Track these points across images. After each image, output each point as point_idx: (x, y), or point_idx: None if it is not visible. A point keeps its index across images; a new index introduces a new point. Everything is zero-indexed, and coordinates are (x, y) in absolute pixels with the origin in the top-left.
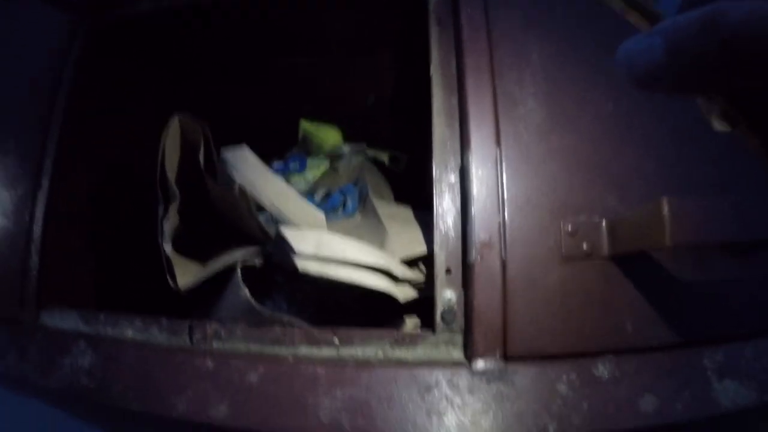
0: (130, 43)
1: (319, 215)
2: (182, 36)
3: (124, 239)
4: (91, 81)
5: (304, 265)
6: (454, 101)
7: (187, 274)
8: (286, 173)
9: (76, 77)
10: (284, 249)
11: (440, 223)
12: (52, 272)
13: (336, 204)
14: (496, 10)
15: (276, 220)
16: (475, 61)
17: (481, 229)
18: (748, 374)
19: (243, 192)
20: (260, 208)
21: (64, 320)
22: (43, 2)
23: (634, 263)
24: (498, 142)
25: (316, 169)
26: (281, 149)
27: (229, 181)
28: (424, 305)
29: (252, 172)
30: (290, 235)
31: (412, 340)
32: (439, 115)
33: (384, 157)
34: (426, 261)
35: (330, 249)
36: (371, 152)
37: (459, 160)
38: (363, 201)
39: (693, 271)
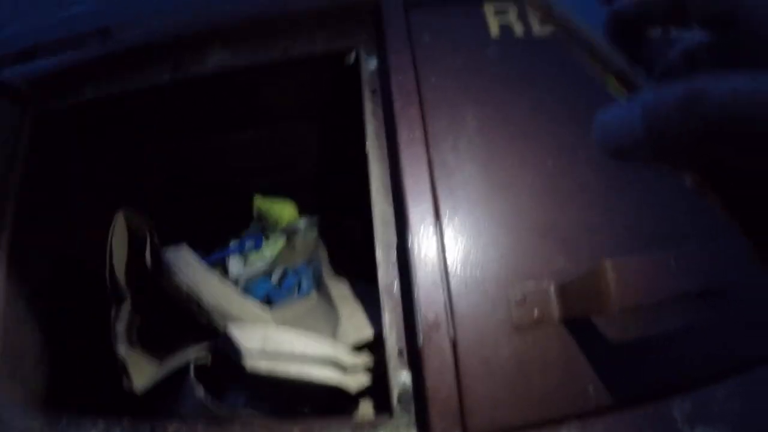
0: (76, 128)
1: (264, 314)
2: (127, 119)
3: (80, 335)
4: (41, 168)
5: (253, 365)
6: (390, 176)
7: (143, 375)
8: (243, 252)
9: (27, 165)
10: (232, 347)
11: (387, 304)
12: (12, 373)
13: (291, 285)
14: (428, 75)
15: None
16: (408, 131)
17: (426, 310)
18: (721, 417)
19: (190, 293)
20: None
21: (26, 420)
22: None
23: (587, 324)
24: (437, 216)
25: (273, 246)
26: (239, 227)
27: (176, 283)
28: (379, 384)
29: (194, 274)
30: (236, 333)
31: (371, 427)
32: (378, 192)
33: (339, 226)
34: (379, 342)
35: (276, 343)
36: (325, 222)
37: (398, 239)
38: (317, 280)
39: (650, 324)
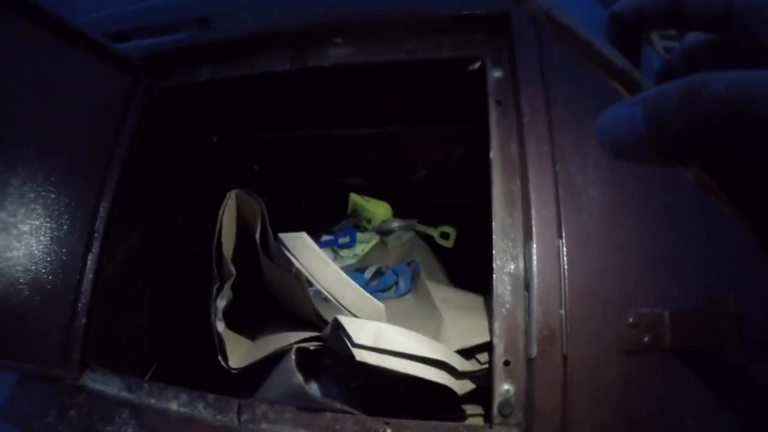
0: (186, 109)
1: (379, 306)
2: (238, 106)
3: (171, 306)
4: (146, 143)
5: (363, 356)
6: (515, 187)
7: (238, 353)
8: (335, 247)
9: (133, 138)
10: (341, 338)
11: (499, 313)
12: (97, 333)
13: (388, 284)
14: (557, 91)
15: (332, 305)
16: (536, 146)
17: (542, 323)
18: None
19: (299, 277)
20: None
21: (107, 384)
22: (101, 59)
23: (697, 355)
24: (560, 233)
25: (365, 244)
26: (330, 221)
27: (287, 265)
28: (480, 394)
29: (310, 259)
30: (349, 324)
31: None
32: (500, 201)
33: (434, 233)
34: (484, 350)
35: (390, 341)
36: (421, 228)
37: (520, 249)
38: (415, 282)
39: (758, 363)
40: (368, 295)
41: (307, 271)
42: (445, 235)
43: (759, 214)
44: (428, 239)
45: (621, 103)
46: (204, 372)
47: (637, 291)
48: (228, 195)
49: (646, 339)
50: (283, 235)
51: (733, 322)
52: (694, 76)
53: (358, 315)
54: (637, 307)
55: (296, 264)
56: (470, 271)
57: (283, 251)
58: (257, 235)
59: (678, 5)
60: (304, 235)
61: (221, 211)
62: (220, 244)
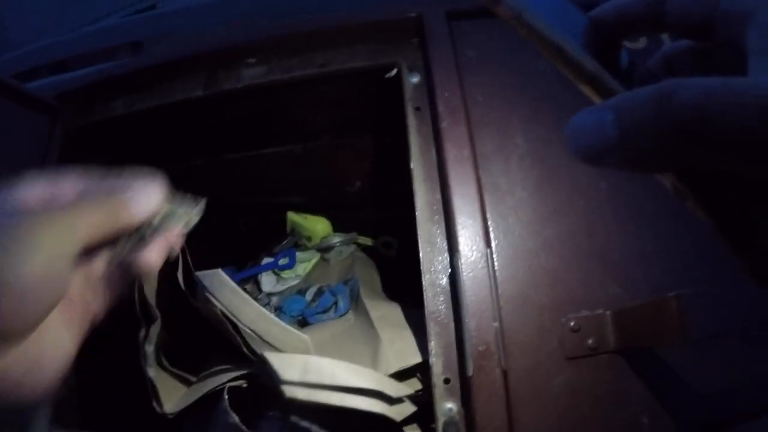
0: (108, 143)
1: (303, 338)
2: (161, 135)
3: (109, 356)
4: None
5: (292, 392)
6: (437, 196)
7: (173, 397)
8: (276, 269)
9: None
10: (269, 374)
11: (433, 330)
12: None
13: (327, 305)
14: (475, 92)
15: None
16: (456, 150)
17: (476, 338)
18: None
19: (225, 315)
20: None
21: None
22: (16, 102)
23: (643, 355)
24: (487, 241)
25: (306, 263)
26: (271, 243)
27: (210, 305)
28: (424, 411)
29: (229, 297)
30: (274, 360)
31: None
32: (423, 213)
33: (376, 244)
34: (423, 367)
35: (317, 374)
36: (362, 240)
37: (447, 264)
38: (355, 300)
39: (709, 355)
40: (290, 328)
41: (227, 309)
42: (387, 245)
43: (731, 219)
44: (373, 252)
45: (591, 107)
46: (155, 418)
47: (575, 292)
48: None
49: (589, 343)
50: (200, 274)
51: (675, 320)
52: (666, 81)
53: (284, 349)
54: (576, 310)
55: (216, 303)
56: (416, 279)
57: (204, 292)
58: (179, 276)
59: (659, 11)
60: (219, 272)
61: None
62: (141, 286)
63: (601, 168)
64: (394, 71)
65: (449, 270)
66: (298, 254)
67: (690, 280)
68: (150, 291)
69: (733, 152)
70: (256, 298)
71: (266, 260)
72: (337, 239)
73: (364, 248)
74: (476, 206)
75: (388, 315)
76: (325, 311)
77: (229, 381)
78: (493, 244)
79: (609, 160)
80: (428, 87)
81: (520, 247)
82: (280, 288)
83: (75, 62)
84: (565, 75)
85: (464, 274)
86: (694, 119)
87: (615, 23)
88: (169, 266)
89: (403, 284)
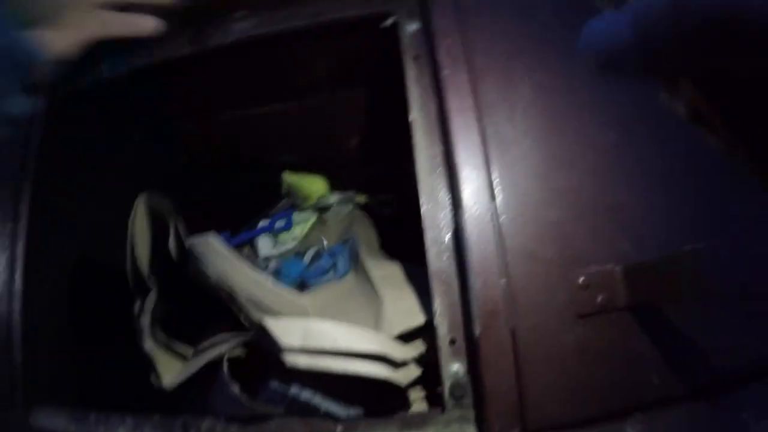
0: (94, 109)
1: (301, 302)
2: (149, 97)
3: (106, 329)
4: (60, 151)
5: (293, 360)
6: (438, 149)
7: (171, 370)
8: (273, 232)
9: (42, 148)
10: (270, 342)
11: (438, 290)
12: (37, 369)
13: (326, 267)
14: (477, 38)
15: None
16: (458, 100)
17: (483, 297)
18: None
19: (220, 283)
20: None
21: (53, 421)
22: None
23: (654, 311)
24: (492, 195)
25: (303, 224)
26: (266, 204)
27: (204, 273)
28: (430, 373)
29: (223, 263)
30: (274, 327)
31: (421, 421)
32: (425, 166)
33: (373, 202)
34: (428, 328)
35: (319, 339)
36: (360, 198)
37: (450, 220)
38: (355, 260)
39: (722, 312)
40: (288, 293)
41: (222, 275)
42: (385, 204)
43: (755, 131)
44: (371, 210)
45: (608, 12)
46: (155, 392)
47: (584, 248)
48: (135, 202)
49: (599, 299)
50: (191, 241)
51: (689, 276)
52: None
53: (283, 315)
54: (585, 265)
55: (209, 272)
56: (416, 238)
57: (196, 261)
58: (171, 243)
59: None
60: (211, 238)
61: (130, 222)
62: (134, 257)
63: (611, 74)
64: (391, 20)
65: (453, 226)
66: (295, 215)
67: (701, 237)
68: (143, 262)
69: (754, 49)
70: (253, 263)
71: (263, 223)
72: (334, 198)
73: (362, 207)
74: (480, 158)
75: (389, 275)
76: (324, 273)
77: (229, 350)
78: (498, 198)
79: (625, 63)
80: (427, 34)
81: (527, 201)
82: (277, 251)
83: None
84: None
85: (469, 229)
86: (714, 18)
87: None
88: (161, 235)
89: (402, 243)
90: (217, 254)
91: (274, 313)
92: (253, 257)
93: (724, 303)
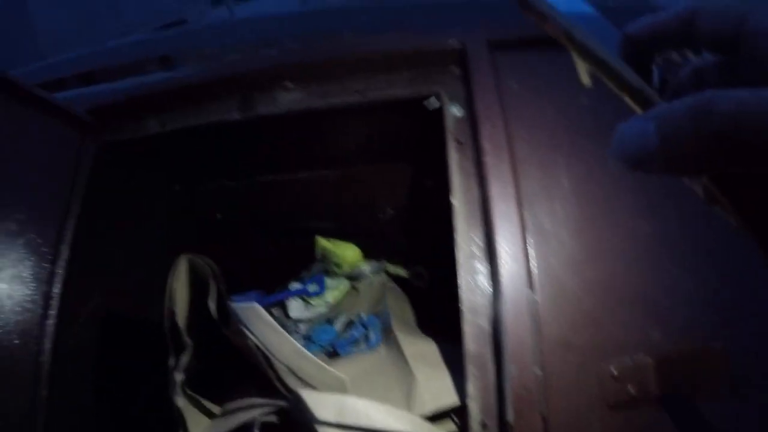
0: (141, 160)
1: (340, 377)
2: (193, 155)
3: (136, 373)
4: (102, 198)
5: None
6: (479, 235)
7: (199, 427)
8: (305, 295)
9: (86, 194)
10: (304, 413)
11: (472, 373)
12: (61, 405)
13: (357, 337)
14: (519, 128)
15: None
16: (500, 188)
17: (517, 383)
18: None
19: (258, 348)
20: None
21: None
22: (47, 115)
23: (686, 403)
24: (530, 283)
25: (335, 290)
26: (297, 269)
27: (243, 336)
28: None
29: (265, 331)
30: (310, 399)
31: None
32: (464, 251)
33: (406, 274)
34: (459, 409)
35: (353, 415)
36: (392, 269)
37: (489, 306)
38: (386, 333)
39: (750, 408)
40: (327, 367)
41: (263, 344)
42: (417, 276)
43: (761, 222)
44: (402, 280)
45: (634, 118)
46: None
47: (617, 337)
48: (177, 261)
49: (630, 390)
50: (236, 306)
51: (720, 371)
52: (702, 93)
53: (319, 387)
54: (618, 355)
55: (251, 337)
56: (447, 312)
57: (238, 324)
58: (211, 305)
59: (690, 28)
60: (256, 305)
61: (171, 279)
62: (172, 313)
63: (643, 173)
64: (437, 103)
65: (491, 312)
66: (327, 281)
67: (733, 329)
68: (180, 318)
69: (764, 155)
70: (283, 324)
71: (294, 285)
72: (367, 267)
73: (394, 278)
74: (520, 247)
75: (422, 352)
76: (355, 343)
77: (261, 415)
78: (535, 287)
79: (650, 165)
80: (471, 120)
81: (563, 290)
82: (308, 315)
83: (103, 75)
84: (609, 91)
85: (506, 317)
86: (730, 127)
87: (648, 39)
88: (201, 293)
89: (433, 317)
90: (260, 320)
91: (311, 383)
92: (284, 318)
93: (755, 395)
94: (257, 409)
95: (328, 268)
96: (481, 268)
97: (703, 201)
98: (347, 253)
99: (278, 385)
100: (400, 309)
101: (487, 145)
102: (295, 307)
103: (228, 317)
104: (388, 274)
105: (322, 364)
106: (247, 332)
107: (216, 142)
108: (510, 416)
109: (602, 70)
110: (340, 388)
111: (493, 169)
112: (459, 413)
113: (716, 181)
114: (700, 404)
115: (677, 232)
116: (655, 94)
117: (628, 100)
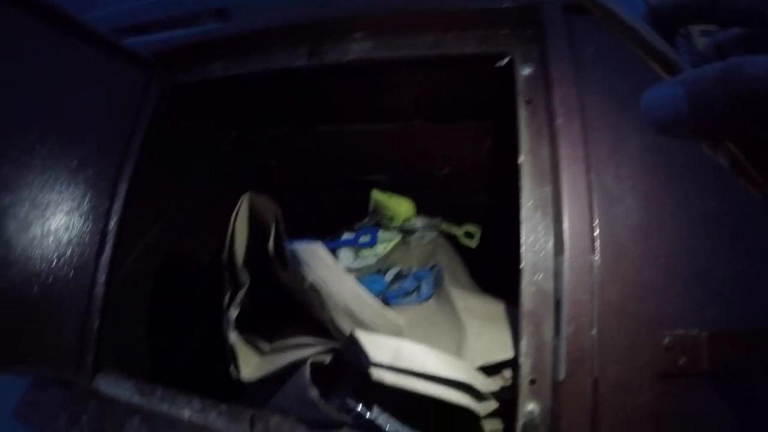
0: (202, 105)
1: (398, 321)
2: (254, 101)
3: (186, 310)
4: (162, 140)
5: (380, 375)
6: (545, 195)
7: (251, 364)
8: (356, 245)
9: (147, 135)
10: (357, 354)
11: (527, 330)
12: (110, 336)
13: (409, 288)
14: (592, 90)
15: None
16: (570, 150)
17: (572, 343)
18: None
19: (315, 289)
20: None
21: (119, 389)
22: (112, 57)
23: (735, 382)
24: (593, 247)
25: (386, 243)
26: (351, 218)
27: (300, 277)
28: (502, 408)
29: (325, 271)
30: (366, 341)
31: None
32: (529, 210)
33: (458, 233)
34: (509, 366)
35: (409, 360)
36: (445, 227)
37: (550, 263)
38: (438, 287)
39: None
40: (386, 309)
41: (322, 284)
42: (469, 235)
43: None
44: (452, 238)
45: (664, 82)
46: (216, 377)
47: (673, 310)
48: (241, 198)
49: (681, 362)
50: (297, 246)
51: None
52: (731, 59)
53: (375, 330)
54: (672, 327)
55: (310, 277)
56: (497, 272)
57: (298, 264)
58: (270, 244)
59: (713, 1)
60: (318, 246)
61: (233, 216)
62: (232, 250)
63: (672, 137)
64: (506, 60)
65: (551, 271)
66: (379, 234)
67: None
68: (239, 256)
69: None
70: None
71: (347, 235)
72: (420, 223)
73: (445, 235)
74: (586, 210)
75: (474, 306)
76: (406, 294)
77: (313, 355)
78: (598, 251)
79: (678, 129)
80: (544, 81)
81: (624, 257)
82: (357, 265)
83: (159, 25)
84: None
85: (567, 276)
86: (758, 91)
87: (672, 12)
88: (258, 233)
89: (483, 274)
90: (321, 261)
91: (368, 327)
92: None
93: None
94: (309, 349)
95: (381, 220)
96: (546, 227)
97: (728, 172)
98: (401, 206)
99: (330, 327)
100: (452, 265)
101: (559, 106)
102: (345, 257)
103: (284, 258)
104: (440, 232)
105: (381, 306)
106: (307, 272)
107: (279, 90)
108: (562, 375)
109: (629, 37)
110: (396, 332)
111: (564, 131)
112: (507, 369)
113: (743, 149)
114: (749, 384)
115: (741, 212)
116: (683, 60)
117: (656, 66)
